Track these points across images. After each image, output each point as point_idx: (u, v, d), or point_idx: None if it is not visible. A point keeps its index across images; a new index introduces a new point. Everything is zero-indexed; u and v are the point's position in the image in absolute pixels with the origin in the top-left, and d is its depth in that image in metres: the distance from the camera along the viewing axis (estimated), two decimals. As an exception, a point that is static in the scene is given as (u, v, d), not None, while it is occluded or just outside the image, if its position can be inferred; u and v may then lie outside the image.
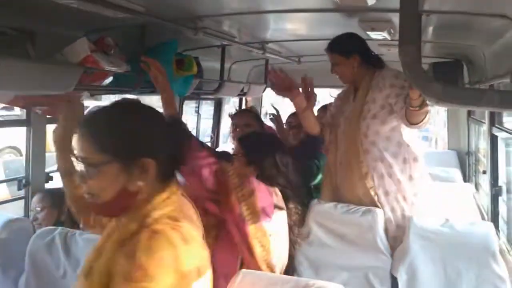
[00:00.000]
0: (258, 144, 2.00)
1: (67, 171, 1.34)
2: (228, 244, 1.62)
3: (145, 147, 0.97)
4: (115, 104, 1.04)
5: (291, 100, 2.26)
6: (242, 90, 3.80)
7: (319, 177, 2.54)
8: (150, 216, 0.96)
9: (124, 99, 1.11)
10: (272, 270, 1.61)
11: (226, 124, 4.19)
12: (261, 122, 2.82)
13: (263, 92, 4.14)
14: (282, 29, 2.63)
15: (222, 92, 3.27)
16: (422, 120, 1.99)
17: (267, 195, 1.71)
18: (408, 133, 2.21)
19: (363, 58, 2.25)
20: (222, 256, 1.57)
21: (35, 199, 2.26)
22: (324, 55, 2.42)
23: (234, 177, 1.64)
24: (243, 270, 1.39)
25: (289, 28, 2.61)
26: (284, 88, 2.23)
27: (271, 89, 2.33)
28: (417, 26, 0.95)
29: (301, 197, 2.05)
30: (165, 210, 0.97)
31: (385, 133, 2.19)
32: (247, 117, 2.71)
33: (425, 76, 0.90)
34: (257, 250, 1.59)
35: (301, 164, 2.25)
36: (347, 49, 2.24)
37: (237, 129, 2.64)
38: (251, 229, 1.58)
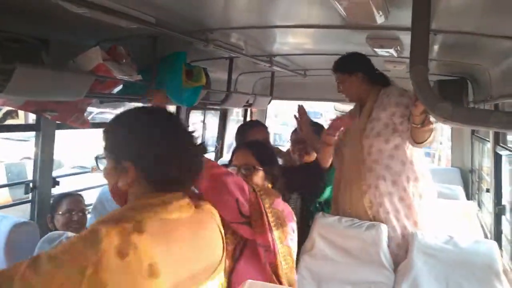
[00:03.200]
0: (270, 152, 1.87)
1: None
2: (254, 262, 1.57)
3: (128, 152, 1.06)
4: (124, 111, 1.16)
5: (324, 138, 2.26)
6: (247, 102, 3.83)
7: (327, 191, 2.54)
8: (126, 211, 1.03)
9: (136, 107, 1.20)
10: (293, 286, 1.59)
11: (231, 134, 4.24)
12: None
13: (268, 104, 4.17)
14: (289, 43, 2.66)
15: (228, 103, 3.30)
16: (427, 139, 2.01)
17: (291, 213, 1.67)
18: (412, 151, 2.22)
19: (366, 75, 2.29)
20: (247, 274, 1.52)
21: (72, 201, 2.27)
22: (329, 69, 2.46)
23: (265, 198, 1.55)
24: (249, 280, 1.39)
25: (296, 42, 2.64)
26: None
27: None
28: (427, 46, 0.97)
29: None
30: (132, 213, 1.00)
31: (388, 151, 2.20)
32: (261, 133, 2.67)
33: (435, 95, 0.92)
34: (282, 267, 1.55)
35: (308, 181, 2.24)
36: (350, 67, 2.30)
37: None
38: (279, 248, 1.55)
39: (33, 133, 2.26)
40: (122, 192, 1.10)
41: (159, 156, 1.06)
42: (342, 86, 2.33)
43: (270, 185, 1.75)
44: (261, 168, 1.73)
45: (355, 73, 2.29)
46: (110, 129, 1.11)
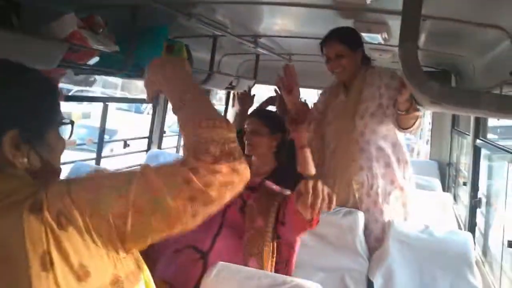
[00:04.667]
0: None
1: None
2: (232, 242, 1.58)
3: None
4: None
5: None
6: (230, 84, 3.75)
7: None
8: None
9: None
10: None
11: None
12: None
13: (251, 87, 4.10)
14: (275, 23, 2.60)
15: (210, 83, 3.22)
16: (412, 125, 1.99)
17: None
18: (399, 135, 2.20)
19: (363, 53, 2.21)
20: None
21: None
22: (315, 55, 2.38)
23: None
24: (220, 262, 1.35)
25: (282, 23, 2.58)
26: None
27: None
28: (418, 23, 0.93)
29: None
30: None
31: (382, 132, 2.15)
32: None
33: (423, 74, 0.88)
34: None
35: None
36: (355, 42, 2.15)
37: None
38: None
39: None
40: None
41: None
42: (344, 60, 2.13)
43: None
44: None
45: (358, 49, 2.16)
46: None
